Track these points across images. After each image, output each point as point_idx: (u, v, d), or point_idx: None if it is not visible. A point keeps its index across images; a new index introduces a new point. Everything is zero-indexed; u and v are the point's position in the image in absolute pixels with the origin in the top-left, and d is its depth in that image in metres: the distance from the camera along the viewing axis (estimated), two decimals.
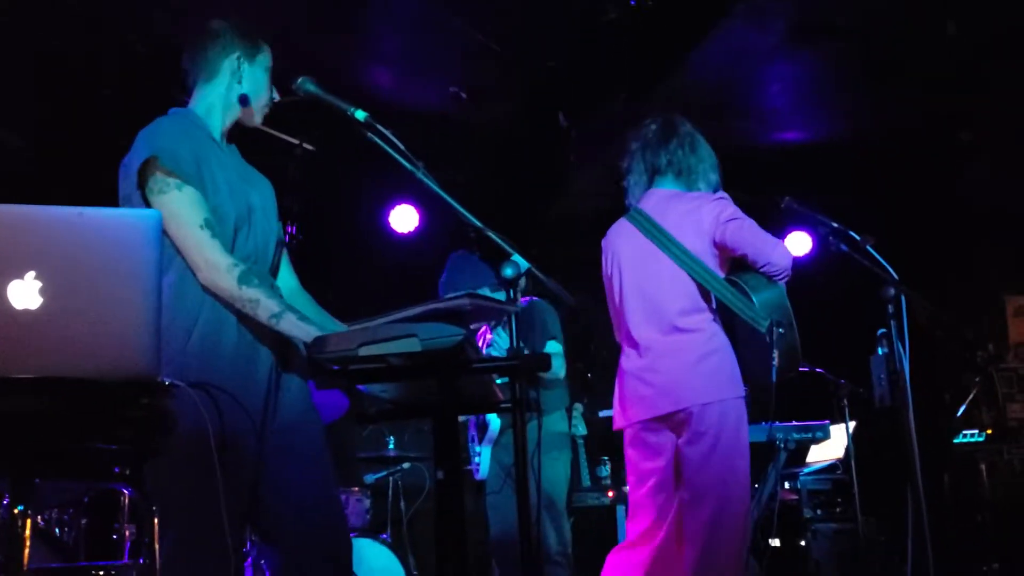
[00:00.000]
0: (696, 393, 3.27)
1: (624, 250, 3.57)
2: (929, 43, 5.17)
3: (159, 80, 4.80)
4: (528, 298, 4.33)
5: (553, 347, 4.34)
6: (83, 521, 3.62)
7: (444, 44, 5.39)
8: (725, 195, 3.47)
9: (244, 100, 2.53)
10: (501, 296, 2.51)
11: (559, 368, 4.35)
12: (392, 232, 6.81)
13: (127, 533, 3.80)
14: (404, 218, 6.78)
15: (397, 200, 6.77)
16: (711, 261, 3.38)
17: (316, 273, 3.23)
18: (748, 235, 3.31)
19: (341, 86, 2.59)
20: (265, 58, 2.57)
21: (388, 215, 6.79)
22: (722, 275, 3.40)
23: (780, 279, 3.31)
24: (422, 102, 5.95)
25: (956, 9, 4.89)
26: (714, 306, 3.36)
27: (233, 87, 2.52)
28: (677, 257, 3.38)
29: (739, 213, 3.38)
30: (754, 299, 3.25)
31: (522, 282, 3.57)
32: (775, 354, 3.18)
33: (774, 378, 3.21)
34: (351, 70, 5.63)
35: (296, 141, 4.95)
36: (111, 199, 2.29)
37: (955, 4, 4.87)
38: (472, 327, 4.20)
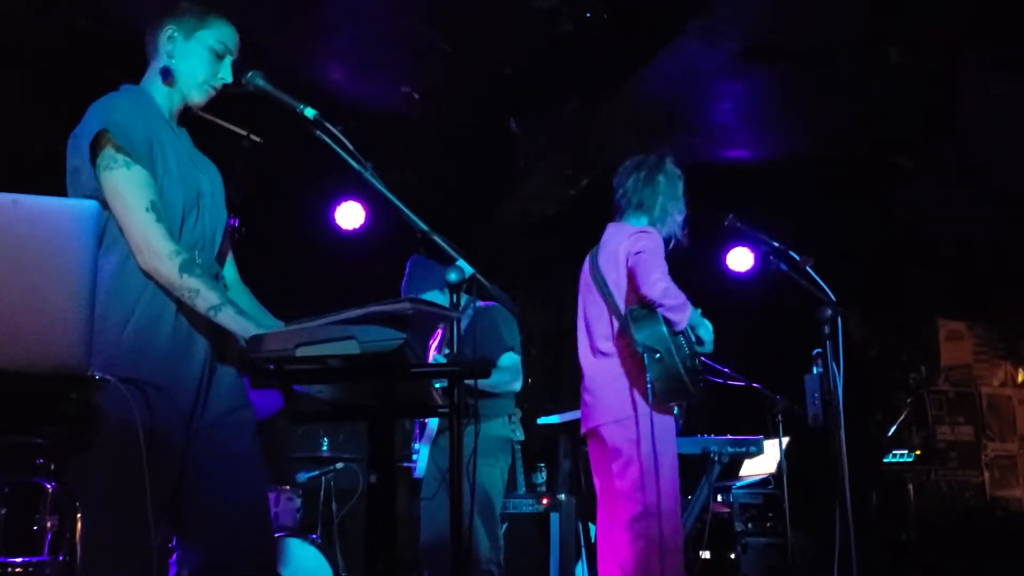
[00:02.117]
0: (608, 411, 3.69)
1: (581, 280, 4.00)
2: (873, 70, 5.28)
3: (104, 59, 4.72)
4: (487, 303, 4.28)
5: (509, 359, 4.30)
6: (2, 512, 3.52)
7: (398, 43, 5.36)
8: (649, 231, 3.78)
9: (164, 73, 2.44)
10: (463, 300, 2.51)
11: (512, 381, 4.31)
12: (338, 229, 6.74)
13: (48, 526, 3.70)
14: (350, 215, 6.71)
15: (343, 197, 6.70)
16: (623, 291, 3.76)
17: (258, 268, 3.18)
18: (641, 266, 3.64)
19: (293, 80, 2.55)
20: (209, 34, 2.46)
21: (334, 212, 6.72)
22: (629, 304, 3.73)
23: (657, 308, 3.57)
24: (373, 100, 5.91)
25: (899, 37, 5.00)
26: (630, 332, 3.65)
27: (165, 61, 2.44)
28: (599, 286, 3.82)
29: (650, 247, 3.68)
30: (631, 328, 3.61)
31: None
32: (648, 377, 3.52)
33: (650, 398, 3.53)
34: (303, 64, 5.57)
35: (244, 132, 4.88)
36: (50, 185, 2.22)
37: (898, 33, 4.99)
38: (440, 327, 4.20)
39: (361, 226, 6.73)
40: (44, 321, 1.58)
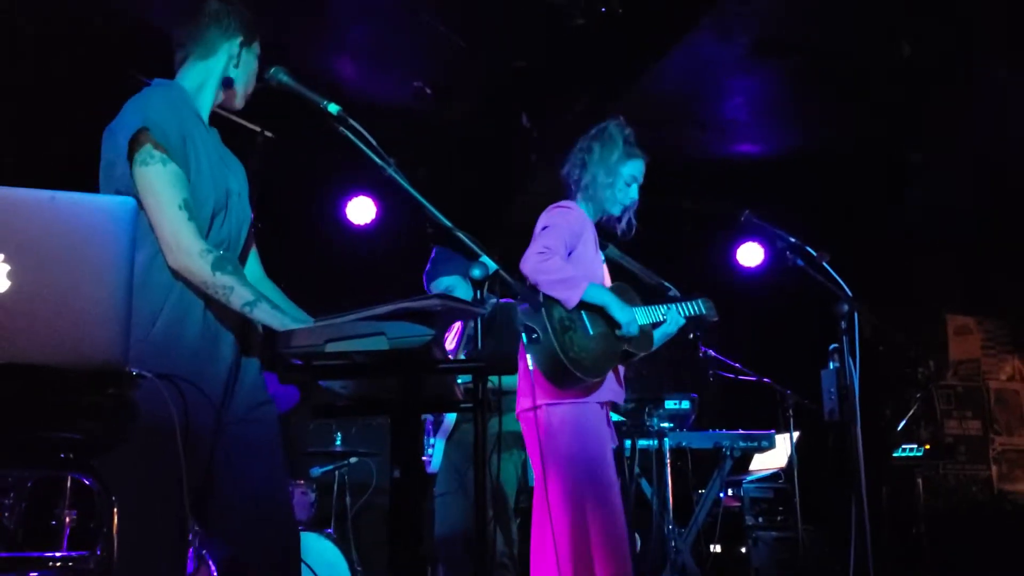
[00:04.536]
0: (519, 400, 3.47)
1: None
2: (885, 65, 5.28)
3: (119, 56, 4.73)
4: (505, 300, 4.28)
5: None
6: (23, 506, 3.54)
7: (410, 38, 5.36)
8: (568, 205, 3.54)
9: (228, 83, 2.49)
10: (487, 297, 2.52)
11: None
12: (349, 224, 6.75)
13: (67, 520, 3.72)
14: (361, 210, 6.73)
15: (355, 192, 6.72)
16: None
17: (269, 263, 3.19)
18: (532, 241, 3.40)
19: (303, 74, 2.55)
20: (258, 45, 2.55)
21: (345, 207, 6.73)
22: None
23: (534, 284, 3.33)
24: (385, 95, 5.91)
25: (911, 32, 5.00)
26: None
27: (229, 70, 2.49)
28: None
29: (555, 222, 3.43)
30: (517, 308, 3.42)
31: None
32: (529, 359, 3.30)
33: (532, 380, 3.32)
34: (315, 59, 5.58)
35: (258, 129, 4.89)
36: (71, 182, 2.23)
37: (910, 28, 4.98)
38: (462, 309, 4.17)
39: (372, 221, 6.74)
40: (84, 317, 1.59)
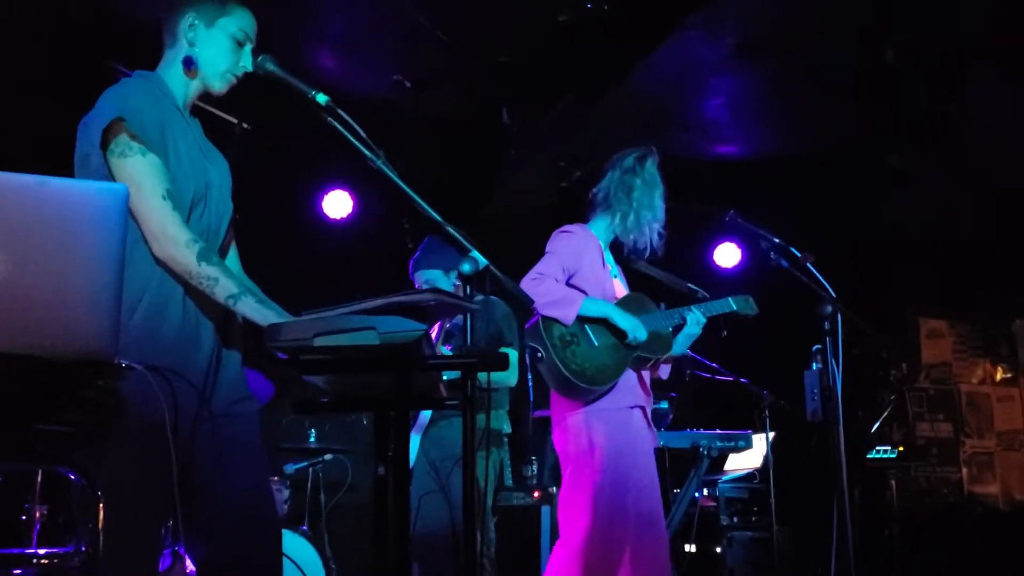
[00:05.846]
0: (551, 413, 3.59)
1: None
2: (868, 69, 5.30)
3: (101, 48, 4.63)
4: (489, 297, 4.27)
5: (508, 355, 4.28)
6: None
7: (391, 31, 5.31)
8: (570, 229, 3.67)
9: (187, 62, 2.40)
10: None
11: (510, 376, 4.29)
12: (325, 218, 6.67)
13: (37, 515, 3.65)
14: (338, 204, 6.65)
15: (331, 186, 6.64)
16: None
17: (244, 255, 3.13)
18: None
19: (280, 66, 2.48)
20: (231, 22, 2.42)
21: (321, 200, 6.65)
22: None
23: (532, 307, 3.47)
24: (364, 87, 5.84)
25: (898, 36, 5.02)
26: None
27: (186, 50, 2.39)
28: None
29: (556, 248, 3.59)
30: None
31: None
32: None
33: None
34: (292, 50, 5.49)
35: (235, 120, 4.81)
36: (58, 169, 2.16)
37: (897, 32, 5.00)
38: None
39: (348, 215, 6.66)
40: (73, 306, 1.54)
